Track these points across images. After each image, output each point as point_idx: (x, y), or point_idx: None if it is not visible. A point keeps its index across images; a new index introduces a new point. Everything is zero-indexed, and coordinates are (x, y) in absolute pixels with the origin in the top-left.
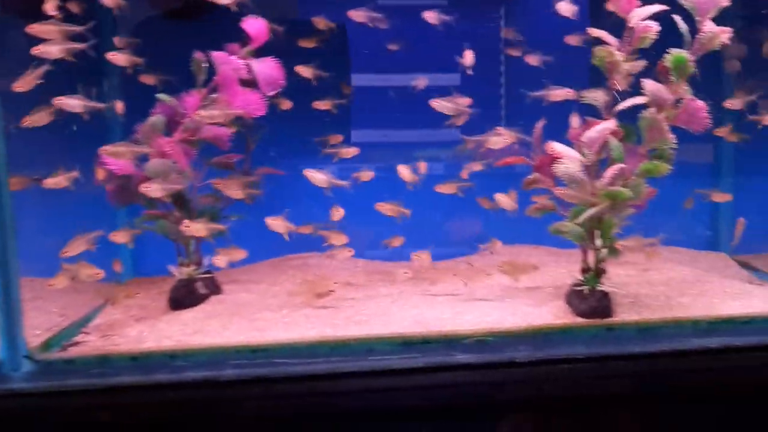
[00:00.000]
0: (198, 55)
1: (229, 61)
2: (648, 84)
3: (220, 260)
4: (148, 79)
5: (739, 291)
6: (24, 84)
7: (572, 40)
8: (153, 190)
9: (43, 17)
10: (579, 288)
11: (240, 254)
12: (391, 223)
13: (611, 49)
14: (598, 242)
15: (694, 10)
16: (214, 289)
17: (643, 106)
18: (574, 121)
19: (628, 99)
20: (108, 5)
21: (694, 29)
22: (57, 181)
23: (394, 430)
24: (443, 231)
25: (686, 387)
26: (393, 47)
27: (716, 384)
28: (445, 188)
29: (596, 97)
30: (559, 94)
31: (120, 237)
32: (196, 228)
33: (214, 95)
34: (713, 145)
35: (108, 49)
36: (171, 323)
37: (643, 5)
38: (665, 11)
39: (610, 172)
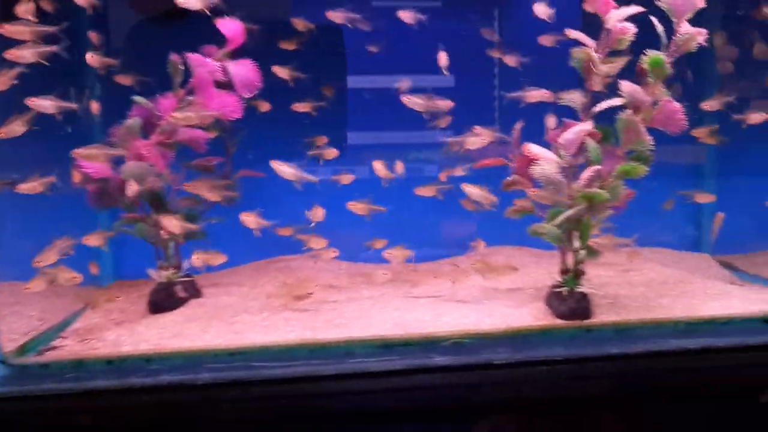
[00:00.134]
0: (174, 57)
1: (204, 64)
2: (625, 85)
3: (197, 260)
4: (123, 80)
5: (719, 292)
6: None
7: (546, 40)
8: (131, 188)
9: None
10: (558, 289)
11: (219, 258)
12: (377, 224)
13: (589, 51)
14: (577, 244)
15: (670, 11)
16: (194, 292)
17: (622, 108)
18: (550, 122)
19: (606, 100)
20: (82, 5)
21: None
22: (32, 186)
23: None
24: (428, 233)
25: (665, 388)
26: (373, 49)
27: (695, 385)
28: (425, 191)
29: (573, 98)
30: (536, 95)
31: (94, 240)
32: (171, 224)
33: (190, 97)
34: (696, 146)
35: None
36: (150, 327)
37: (621, 6)
38: (643, 13)
39: (587, 173)
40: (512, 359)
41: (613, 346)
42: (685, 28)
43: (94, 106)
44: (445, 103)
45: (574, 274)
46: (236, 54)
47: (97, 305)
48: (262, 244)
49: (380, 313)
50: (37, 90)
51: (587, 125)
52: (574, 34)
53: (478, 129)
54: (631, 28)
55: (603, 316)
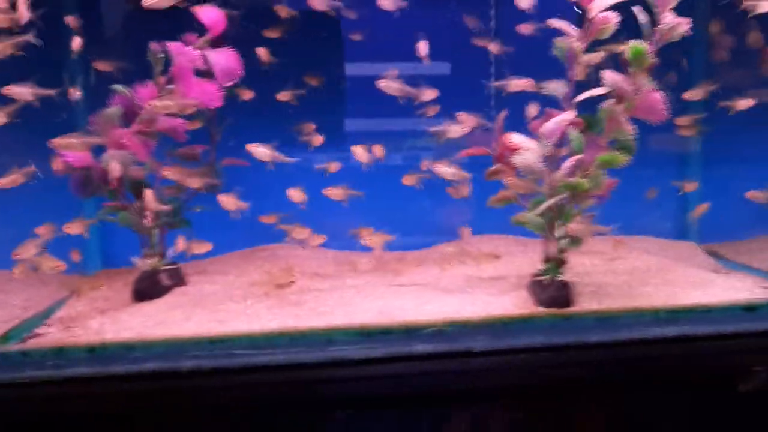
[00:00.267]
0: (154, 45)
1: (184, 52)
2: (607, 75)
3: (180, 246)
4: (103, 66)
5: (702, 280)
6: None
7: (525, 29)
8: (113, 170)
9: None
10: (539, 278)
11: (205, 247)
12: (368, 212)
13: (572, 41)
14: (558, 232)
15: (653, 2)
16: (179, 280)
17: (606, 97)
18: (531, 110)
19: (589, 90)
20: None
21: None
22: (13, 179)
23: (352, 419)
24: (419, 220)
25: (645, 375)
26: (357, 37)
27: (676, 373)
28: (409, 180)
29: (556, 87)
30: (519, 84)
31: (75, 228)
32: (149, 199)
33: (170, 86)
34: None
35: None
36: (133, 315)
37: None
38: (627, 2)
39: (568, 163)
40: (492, 347)
41: (592, 334)
42: (668, 18)
43: (75, 93)
44: (431, 92)
45: (555, 263)
46: (238, 42)
47: (82, 293)
48: (249, 232)
49: (364, 301)
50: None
51: (569, 115)
52: (556, 23)
53: (462, 115)
54: (614, 18)
55: (585, 304)
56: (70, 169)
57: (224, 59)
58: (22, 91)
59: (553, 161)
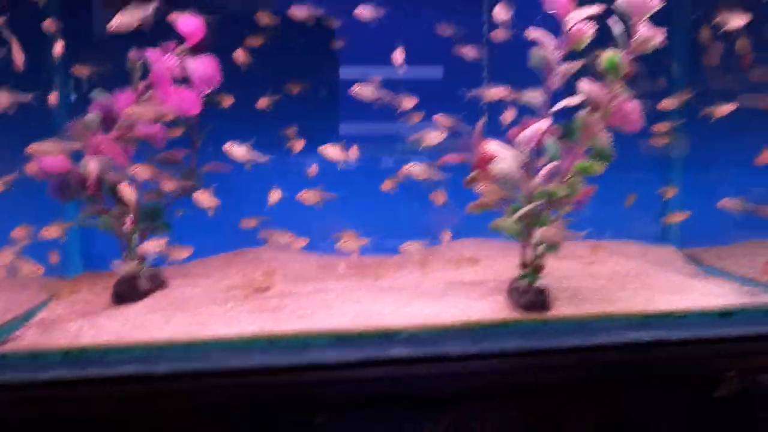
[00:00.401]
0: (132, 53)
1: (162, 60)
2: (583, 84)
3: (151, 246)
4: (81, 71)
5: (680, 285)
6: None
7: (499, 34)
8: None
9: None
10: (518, 283)
11: (184, 252)
12: (353, 216)
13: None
14: (536, 238)
15: (628, 13)
16: (160, 283)
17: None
18: (507, 116)
19: (563, 99)
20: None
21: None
22: None
23: (328, 423)
24: (404, 224)
25: (620, 380)
26: (339, 44)
27: (650, 378)
28: (388, 184)
29: (533, 96)
30: (496, 92)
31: (52, 231)
32: (126, 192)
33: (149, 93)
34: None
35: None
36: (112, 318)
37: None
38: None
39: (545, 170)
40: (468, 352)
41: (568, 338)
42: (643, 28)
43: (53, 97)
44: (411, 100)
45: (533, 268)
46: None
47: (62, 296)
48: (234, 235)
49: (344, 304)
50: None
51: (545, 123)
52: (534, 33)
53: (439, 117)
54: (590, 29)
55: (562, 308)
56: (47, 173)
57: (203, 67)
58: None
59: (531, 168)
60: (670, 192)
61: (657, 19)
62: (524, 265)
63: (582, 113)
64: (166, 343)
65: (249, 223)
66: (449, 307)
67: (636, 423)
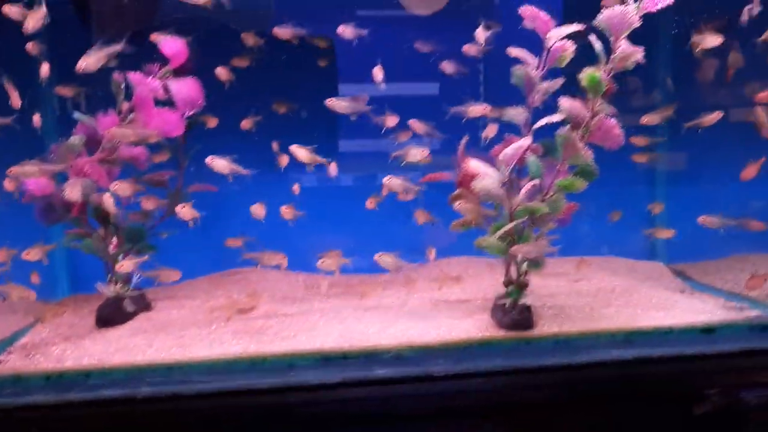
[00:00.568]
0: (116, 75)
1: (145, 82)
2: (563, 101)
3: (124, 266)
4: (64, 92)
5: (665, 302)
6: None
7: (471, 50)
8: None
9: None
10: (502, 301)
11: (173, 275)
12: (344, 235)
13: (528, 69)
14: (519, 256)
15: (607, 30)
16: (145, 305)
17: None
18: (489, 131)
19: (544, 117)
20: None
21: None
22: None
23: None
24: (392, 242)
25: (602, 398)
26: (323, 63)
27: (633, 395)
28: (371, 203)
29: (515, 114)
30: (477, 110)
31: (33, 254)
32: (108, 203)
33: (131, 115)
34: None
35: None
36: (96, 341)
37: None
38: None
39: (526, 188)
40: (452, 371)
41: (551, 357)
42: (622, 46)
43: (36, 119)
44: (393, 118)
45: (517, 286)
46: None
47: (45, 320)
48: (219, 255)
49: (328, 325)
50: None
51: (526, 141)
52: (515, 52)
53: (414, 123)
54: (571, 46)
55: (546, 327)
56: (32, 196)
57: (186, 89)
58: None
59: (513, 186)
60: (657, 208)
61: (640, 35)
62: (508, 283)
63: (563, 130)
64: (147, 365)
65: (234, 242)
66: (433, 327)
67: None
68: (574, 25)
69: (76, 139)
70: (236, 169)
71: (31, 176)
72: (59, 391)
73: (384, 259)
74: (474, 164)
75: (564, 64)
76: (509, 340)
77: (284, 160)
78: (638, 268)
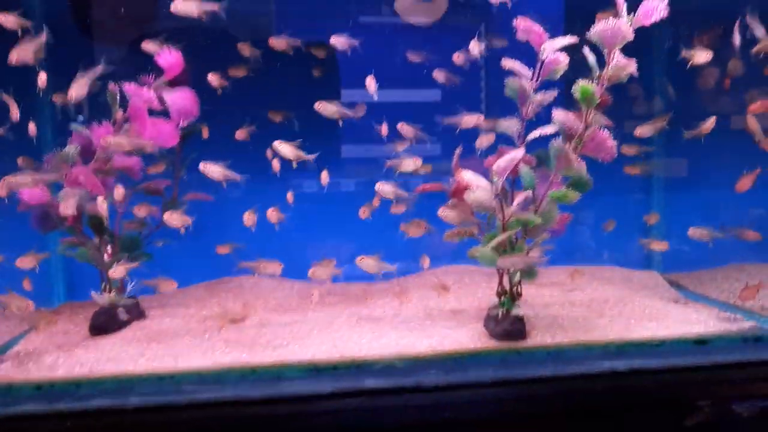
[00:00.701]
0: (111, 86)
1: (139, 93)
2: (557, 113)
3: (116, 272)
4: (58, 99)
5: (658, 312)
6: None
7: (458, 58)
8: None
9: None
10: (494, 311)
11: (170, 285)
12: (340, 243)
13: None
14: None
15: (601, 43)
16: (139, 314)
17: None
18: (484, 141)
19: (537, 129)
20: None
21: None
22: None
23: None
24: (390, 250)
25: (594, 409)
26: (323, 71)
27: (625, 406)
28: (363, 212)
29: (509, 125)
30: (470, 120)
31: (27, 262)
32: (101, 208)
33: (126, 126)
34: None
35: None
36: (88, 350)
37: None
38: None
39: (518, 199)
40: (442, 382)
41: (543, 368)
42: (616, 58)
43: (31, 128)
44: (382, 128)
45: (510, 296)
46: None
47: (39, 328)
48: (214, 263)
49: (321, 335)
50: None
51: (519, 152)
52: (509, 63)
53: (403, 126)
54: (565, 59)
55: (538, 337)
56: (28, 205)
57: (180, 99)
58: None
59: (505, 197)
60: (653, 218)
61: (637, 44)
62: (501, 294)
63: (556, 142)
64: (138, 375)
65: (224, 249)
66: (426, 337)
67: None
68: (568, 37)
69: (70, 149)
70: (230, 176)
71: (24, 186)
72: (50, 400)
73: (365, 261)
74: (467, 175)
75: (558, 76)
76: (501, 351)
77: (276, 165)
78: (633, 277)
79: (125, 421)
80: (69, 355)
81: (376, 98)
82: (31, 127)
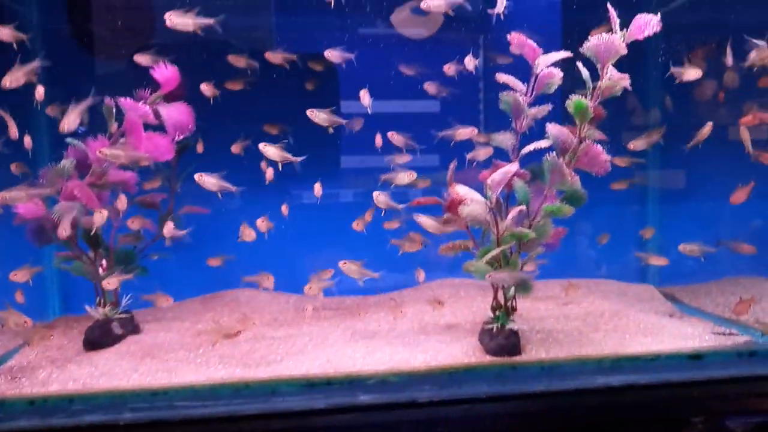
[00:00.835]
0: (107, 101)
1: (135, 107)
2: (551, 127)
3: (110, 283)
4: (52, 111)
5: (653, 326)
6: None
7: (449, 69)
8: (64, 230)
9: None
10: (489, 326)
11: (166, 301)
12: (338, 255)
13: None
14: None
15: (594, 58)
16: (133, 328)
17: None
18: (479, 154)
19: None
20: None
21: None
22: None
23: None
24: (383, 262)
25: (588, 425)
26: (310, 87)
27: (619, 422)
28: (357, 224)
29: (503, 139)
30: (464, 133)
31: (20, 276)
32: (100, 218)
33: (122, 140)
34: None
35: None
36: (82, 365)
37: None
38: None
39: (512, 213)
40: (436, 397)
41: (537, 383)
42: (610, 73)
43: (27, 140)
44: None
45: (504, 311)
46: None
47: (32, 343)
48: (210, 276)
49: (316, 349)
50: None
51: (514, 166)
52: (504, 78)
53: (393, 135)
54: (558, 73)
55: (533, 352)
56: (22, 219)
57: (176, 114)
58: None
59: (500, 210)
60: (649, 233)
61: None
62: (495, 308)
63: (550, 156)
64: (131, 390)
65: (214, 262)
66: (420, 351)
67: None
68: (561, 52)
69: (66, 162)
70: (225, 186)
71: (18, 201)
72: (43, 416)
73: (348, 266)
74: (461, 189)
75: (552, 90)
76: (495, 366)
77: (270, 175)
78: (629, 291)
79: None
80: (62, 370)
81: (370, 111)
82: (27, 140)
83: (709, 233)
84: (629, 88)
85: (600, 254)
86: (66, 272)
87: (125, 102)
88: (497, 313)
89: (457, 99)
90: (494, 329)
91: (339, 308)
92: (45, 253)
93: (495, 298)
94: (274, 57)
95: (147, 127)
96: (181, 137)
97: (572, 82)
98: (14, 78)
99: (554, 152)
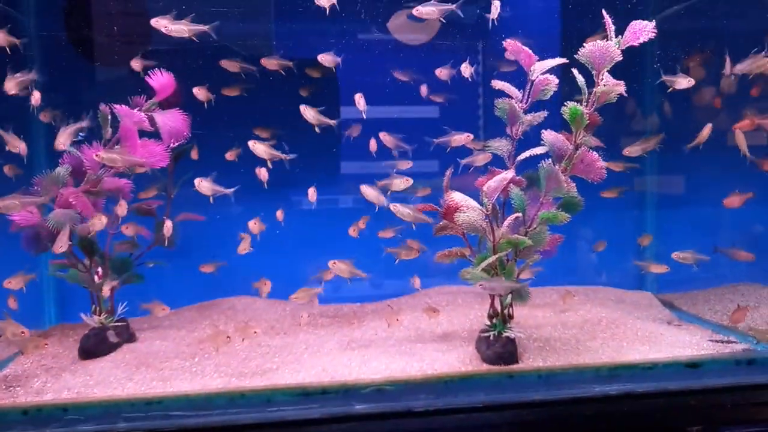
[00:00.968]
0: (103, 107)
1: (130, 114)
2: (546, 135)
3: (104, 290)
4: (45, 117)
5: (651, 334)
6: None
7: (442, 73)
8: (61, 242)
9: None
10: (486, 334)
11: (162, 310)
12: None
13: (512, 102)
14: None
15: (590, 64)
16: (129, 337)
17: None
18: (475, 159)
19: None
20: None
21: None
22: None
23: None
24: (382, 269)
25: None
26: (304, 93)
27: (616, 430)
28: (352, 230)
29: (500, 146)
30: (459, 139)
31: (15, 283)
32: (100, 222)
33: (117, 147)
34: (637, 177)
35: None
36: (77, 374)
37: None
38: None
39: (508, 221)
40: (432, 406)
41: (534, 392)
42: (605, 79)
43: (22, 147)
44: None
45: (501, 319)
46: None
47: (27, 351)
48: (207, 284)
49: (312, 358)
50: None
51: (510, 173)
52: (499, 84)
53: (384, 136)
54: (554, 80)
55: (531, 360)
56: (17, 226)
57: (171, 121)
58: None
59: (494, 218)
60: (646, 240)
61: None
62: (492, 316)
63: (546, 163)
64: (125, 400)
65: (207, 268)
66: (417, 360)
67: None
68: (557, 59)
69: (61, 170)
70: (218, 190)
71: (12, 210)
72: (37, 426)
73: (337, 266)
74: (457, 196)
75: (548, 96)
76: (492, 375)
77: (264, 175)
78: (626, 298)
79: None
80: (57, 379)
81: (364, 116)
82: (22, 147)
83: (707, 240)
84: (625, 94)
85: (598, 261)
86: (62, 280)
87: (121, 109)
88: (494, 320)
89: (457, 105)
90: (491, 337)
91: (336, 316)
92: (41, 260)
93: (492, 305)
94: (270, 63)
95: (142, 134)
96: (176, 144)
97: (571, 89)
98: (7, 89)
99: (550, 159)
